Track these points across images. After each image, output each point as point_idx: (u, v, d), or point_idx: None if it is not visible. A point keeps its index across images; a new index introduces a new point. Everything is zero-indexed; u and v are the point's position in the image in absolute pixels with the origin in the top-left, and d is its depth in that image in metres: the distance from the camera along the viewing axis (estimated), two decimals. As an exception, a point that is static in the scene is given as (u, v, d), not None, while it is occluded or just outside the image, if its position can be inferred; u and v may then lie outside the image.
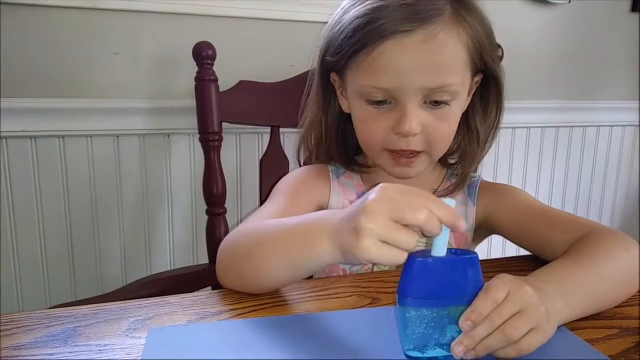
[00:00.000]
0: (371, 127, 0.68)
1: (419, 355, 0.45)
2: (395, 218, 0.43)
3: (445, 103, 0.65)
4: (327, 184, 0.76)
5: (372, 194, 0.44)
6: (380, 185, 0.45)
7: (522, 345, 0.44)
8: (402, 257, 0.43)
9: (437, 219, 0.42)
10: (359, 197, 0.74)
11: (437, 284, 0.43)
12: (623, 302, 0.57)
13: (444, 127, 0.67)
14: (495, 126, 0.75)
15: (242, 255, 0.57)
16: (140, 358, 0.45)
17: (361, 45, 0.64)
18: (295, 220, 0.55)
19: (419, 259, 0.43)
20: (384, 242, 0.43)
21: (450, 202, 0.44)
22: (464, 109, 0.72)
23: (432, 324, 0.44)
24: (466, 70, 0.66)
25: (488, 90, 0.72)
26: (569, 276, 0.53)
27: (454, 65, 0.64)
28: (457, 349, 0.43)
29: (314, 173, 0.77)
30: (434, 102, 0.65)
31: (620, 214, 1.67)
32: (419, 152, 0.67)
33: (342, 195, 0.76)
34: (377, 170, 0.76)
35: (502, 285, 0.44)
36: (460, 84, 0.65)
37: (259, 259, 0.55)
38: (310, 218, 0.53)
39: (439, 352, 0.45)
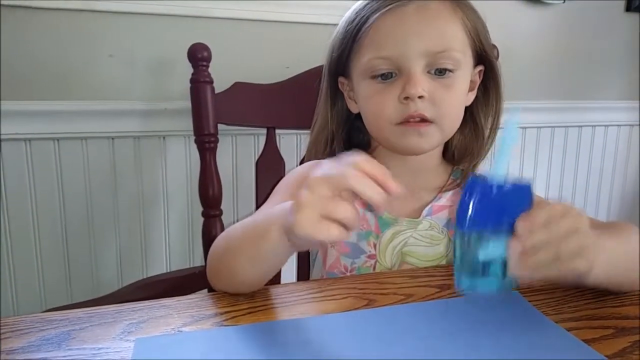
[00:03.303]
0: (378, 101, 0.68)
1: (471, 287, 0.45)
2: (332, 188, 0.43)
3: (449, 71, 0.67)
4: None
5: (313, 171, 0.45)
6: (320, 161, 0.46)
7: (564, 265, 0.44)
8: (337, 234, 0.43)
9: (368, 179, 0.43)
10: None
11: (495, 210, 0.44)
12: (619, 302, 0.57)
13: (451, 96, 0.67)
14: (496, 116, 0.76)
15: (218, 257, 0.60)
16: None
17: (361, 24, 0.67)
18: (259, 214, 0.56)
19: (481, 184, 0.43)
20: (325, 218, 0.43)
21: (515, 120, 0.44)
22: (469, 102, 0.73)
23: (486, 252, 0.44)
24: (465, 46, 0.68)
25: (488, 81, 0.74)
26: (599, 239, 0.52)
27: (453, 33, 0.67)
28: (514, 245, 0.43)
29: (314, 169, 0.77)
30: (437, 71, 0.66)
31: (615, 214, 1.67)
32: (429, 122, 0.66)
33: None
34: (381, 155, 0.76)
35: (561, 203, 0.45)
36: (460, 52, 0.67)
37: (231, 255, 0.56)
38: (271, 210, 0.54)
39: (490, 284, 0.45)
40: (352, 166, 0.44)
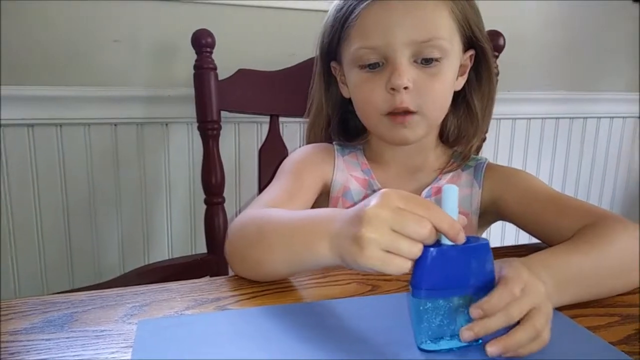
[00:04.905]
0: (366, 91, 0.69)
1: (433, 347, 0.44)
2: (397, 229, 0.42)
3: (436, 60, 0.66)
4: (332, 161, 0.77)
5: (374, 200, 0.43)
6: (383, 190, 0.44)
7: (543, 339, 0.43)
8: (406, 266, 0.42)
9: (435, 232, 0.42)
10: (364, 173, 0.76)
11: (451, 273, 0.42)
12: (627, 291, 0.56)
13: (436, 85, 0.67)
14: (489, 98, 0.76)
15: (247, 243, 0.58)
16: (132, 349, 0.45)
17: (348, 12, 0.68)
18: (300, 215, 0.54)
19: (432, 249, 0.42)
20: (387, 251, 0.42)
21: (453, 188, 0.43)
22: (459, 87, 0.73)
23: (447, 315, 0.43)
24: (453, 33, 0.68)
25: (480, 65, 0.74)
26: (565, 262, 0.53)
27: (439, 21, 0.66)
28: (466, 334, 0.42)
29: (318, 150, 0.78)
30: (424, 61, 0.66)
31: (619, 205, 1.67)
32: (413, 112, 0.67)
33: (345, 170, 0.77)
34: (378, 144, 0.76)
35: (518, 279, 0.44)
36: (447, 41, 0.66)
37: (262, 250, 0.55)
38: (314, 216, 0.53)
39: (454, 343, 0.44)
40: (430, 221, 0.42)
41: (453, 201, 0.43)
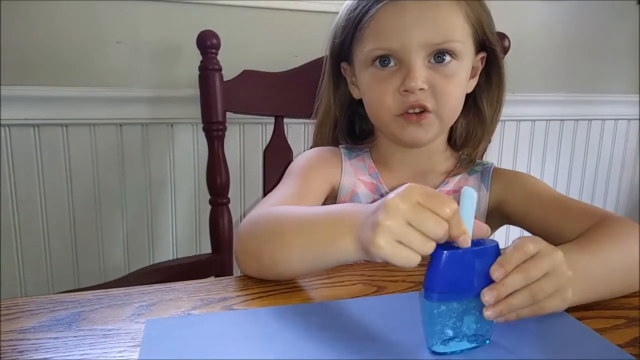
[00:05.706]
0: (378, 92, 0.68)
1: (444, 349, 0.44)
2: (414, 224, 0.42)
3: (449, 61, 0.66)
4: (339, 164, 0.77)
5: (396, 192, 0.44)
6: (407, 184, 0.44)
7: (539, 307, 0.43)
8: (416, 260, 0.43)
9: (445, 228, 0.42)
10: (372, 177, 0.76)
11: (464, 275, 0.43)
12: (630, 293, 0.56)
13: (450, 85, 0.67)
14: (498, 102, 0.76)
15: (263, 239, 0.57)
16: (140, 348, 0.45)
17: (362, 13, 0.67)
18: (321, 210, 0.54)
19: (446, 251, 0.42)
20: (400, 242, 0.42)
21: (471, 192, 0.43)
22: (470, 89, 0.73)
23: (459, 317, 0.43)
24: (467, 36, 0.68)
25: (490, 68, 0.74)
26: (572, 261, 0.52)
27: (453, 23, 0.66)
28: (488, 294, 0.42)
29: (325, 153, 0.78)
30: (438, 60, 0.66)
31: (623, 207, 1.66)
32: (429, 112, 0.67)
33: (353, 174, 0.76)
34: (385, 147, 0.76)
35: (534, 241, 0.45)
36: (461, 43, 0.66)
37: (280, 246, 0.54)
38: (336, 210, 0.52)
39: (463, 345, 0.44)
40: (447, 222, 0.42)
41: (471, 205, 0.43)
